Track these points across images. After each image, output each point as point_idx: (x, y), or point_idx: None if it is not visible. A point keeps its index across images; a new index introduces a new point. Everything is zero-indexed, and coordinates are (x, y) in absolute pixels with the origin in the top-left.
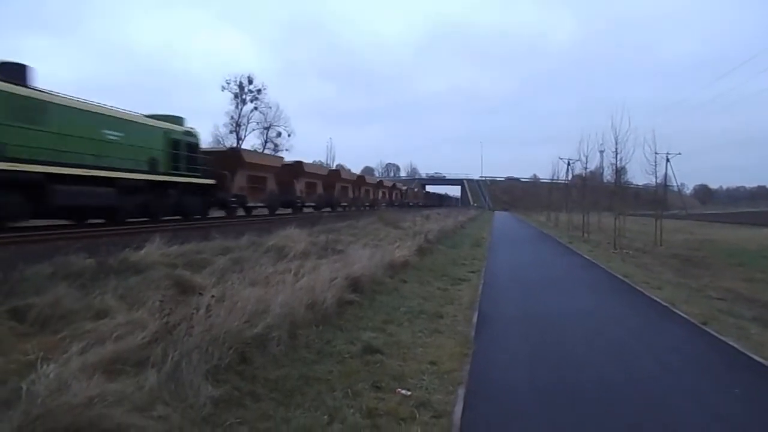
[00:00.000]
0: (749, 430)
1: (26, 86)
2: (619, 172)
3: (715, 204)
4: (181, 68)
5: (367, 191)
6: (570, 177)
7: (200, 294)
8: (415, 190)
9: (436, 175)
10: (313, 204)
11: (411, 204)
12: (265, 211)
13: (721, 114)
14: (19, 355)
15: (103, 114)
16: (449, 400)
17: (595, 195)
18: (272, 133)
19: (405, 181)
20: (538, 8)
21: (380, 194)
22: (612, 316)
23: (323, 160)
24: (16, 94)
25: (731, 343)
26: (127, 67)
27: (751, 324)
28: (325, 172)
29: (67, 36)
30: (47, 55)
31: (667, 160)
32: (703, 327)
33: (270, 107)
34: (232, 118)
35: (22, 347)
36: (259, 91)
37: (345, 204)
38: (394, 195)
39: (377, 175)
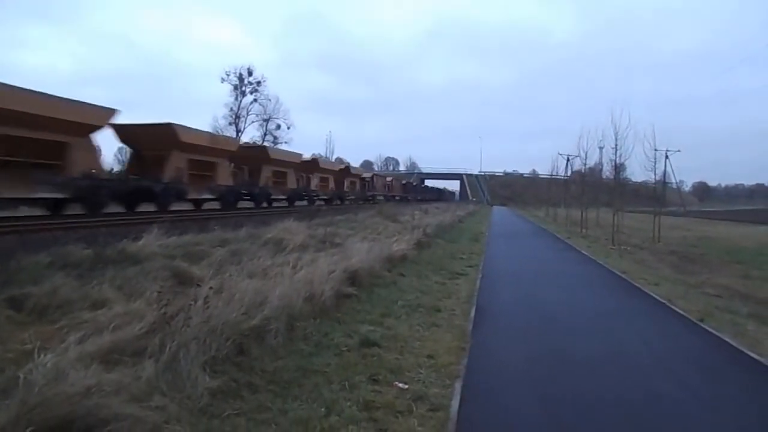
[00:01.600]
0: (744, 423)
1: None
2: (618, 168)
3: (713, 201)
4: (180, 59)
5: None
6: (569, 172)
7: (198, 285)
8: (388, 179)
9: (435, 170)
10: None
11: (382, 198)
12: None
13: (720, 111)
14: (16, 344)
15: None
16: (446, 394)
17: (594, 191)
18: (271, 126)
19: (404, 176)
20: (539, 3)
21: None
22: (609, 312)
23: (322, 152)
24: None
25: (727, 339)
26: (126, 57)
27: (748, 321)
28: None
29: (66, 25)
30: (46, 45)
31: (666, 156)
32: (700, 324)
33: (269, 99)
34: (231, 110)
35: (20, 336)
36: (258, 83)
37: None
38: (346, 185)
39: (376, 168)
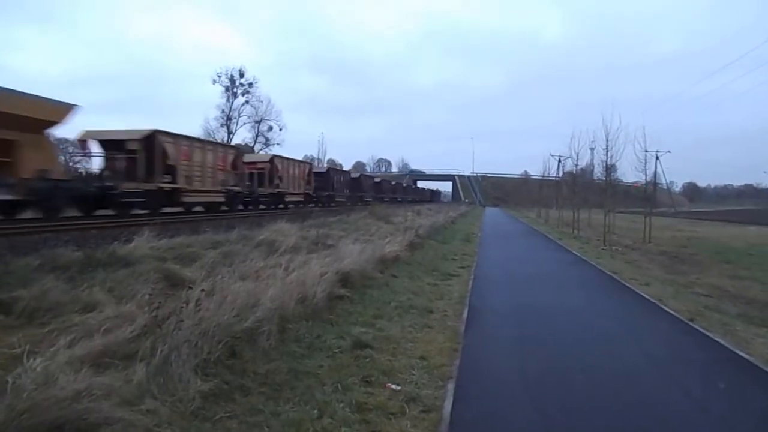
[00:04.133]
0: (733, 421)
1: None
2: (610, 169)
3: (703, 202)
4: (172, 60)
5: None
6: (561, 174)
7: (190, 288)
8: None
9: (427, 170)
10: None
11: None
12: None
13: (709, 112)
14: (5, 348)
15: None
16: (439, 395)
17: (585, 192)
18: (263, 127)
19: (396, 177)
20: (528, 7)
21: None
22: (601, 312)
23: (315, 154)
24: None
25: (717, 339)
26: (118, 58)
27: (736, 320)
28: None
29: (57, 26)
30: (36, 46)
31: (657, 157)
32: (690, 323)
33: (261, 101)
34: (222, 111)
35: (8, 340)
36: (250, 84)
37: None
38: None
39: (368, 170)
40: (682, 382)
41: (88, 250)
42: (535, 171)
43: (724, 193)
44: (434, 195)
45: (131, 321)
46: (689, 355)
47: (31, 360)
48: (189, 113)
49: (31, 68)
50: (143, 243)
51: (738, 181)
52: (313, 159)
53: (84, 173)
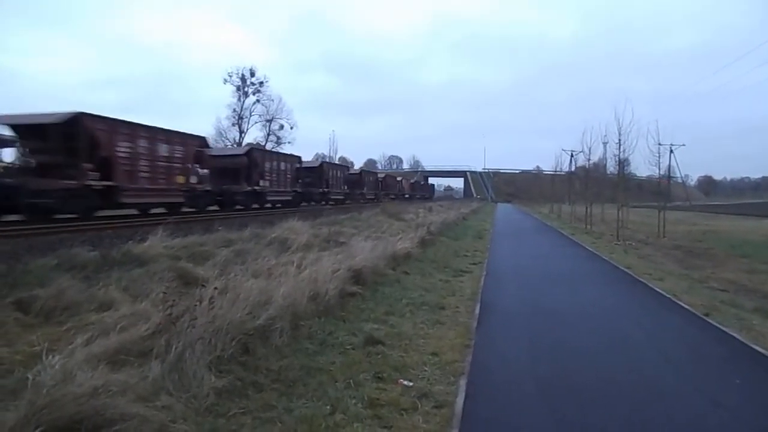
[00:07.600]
0: (749, 418)
1: None
2: (622, 163)
3: (719, 195)
4: (184, 61)
5: None
6: (573, 168)
7: (203, 286)
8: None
9: (439, 167)
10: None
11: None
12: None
13: (724, 105)
14: (24, 346)
15: None
16: (451, 391)
17: (598, 186)
18: (274, 126)
19: (407, 173)
20: (539, 5)
21: None
22: (614, 308)
23: (326, 152)
24: None
25: (733, 333)
26: (130, 59)
27: (753, 315)
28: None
29: (68, 28)
30: (48, 48)
31: (671, 151)
32: (706, 318)
33: (272, 100)
34: (234, 110)
35: (28, 338)
36: (261, 83)
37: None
38: None
39: (379, 167)
40: (697, 378)
41: (103, 249)
42: (548, 166)
43: (741, 186)
44: (417, 189)
45: (146, 319)
46: (704, 351)
47: (50, 357)
48: (205, 114)
49: (47, 72)
50: (157, 242)
51: (755, 174)
52: (324, 157)
53: None
